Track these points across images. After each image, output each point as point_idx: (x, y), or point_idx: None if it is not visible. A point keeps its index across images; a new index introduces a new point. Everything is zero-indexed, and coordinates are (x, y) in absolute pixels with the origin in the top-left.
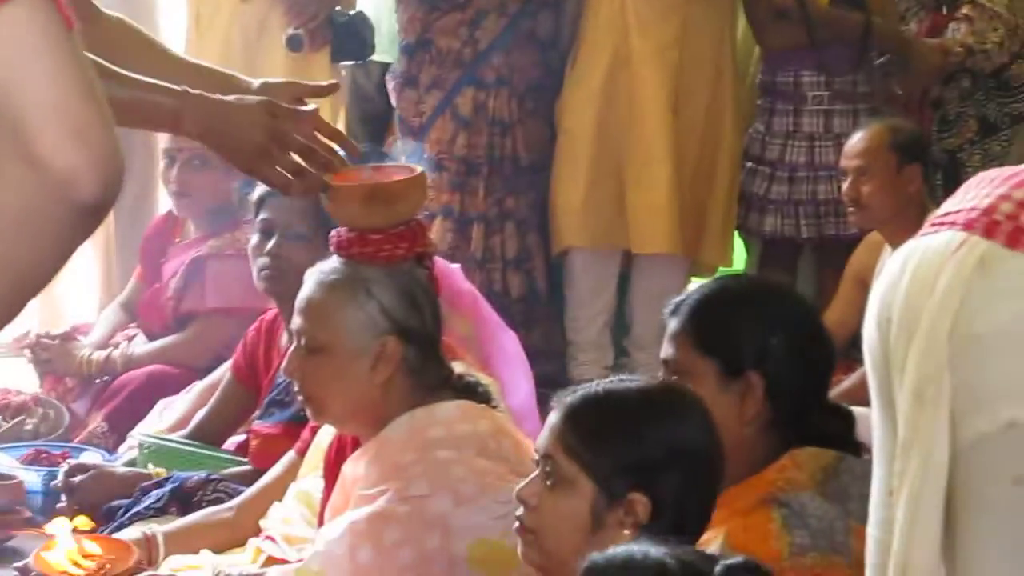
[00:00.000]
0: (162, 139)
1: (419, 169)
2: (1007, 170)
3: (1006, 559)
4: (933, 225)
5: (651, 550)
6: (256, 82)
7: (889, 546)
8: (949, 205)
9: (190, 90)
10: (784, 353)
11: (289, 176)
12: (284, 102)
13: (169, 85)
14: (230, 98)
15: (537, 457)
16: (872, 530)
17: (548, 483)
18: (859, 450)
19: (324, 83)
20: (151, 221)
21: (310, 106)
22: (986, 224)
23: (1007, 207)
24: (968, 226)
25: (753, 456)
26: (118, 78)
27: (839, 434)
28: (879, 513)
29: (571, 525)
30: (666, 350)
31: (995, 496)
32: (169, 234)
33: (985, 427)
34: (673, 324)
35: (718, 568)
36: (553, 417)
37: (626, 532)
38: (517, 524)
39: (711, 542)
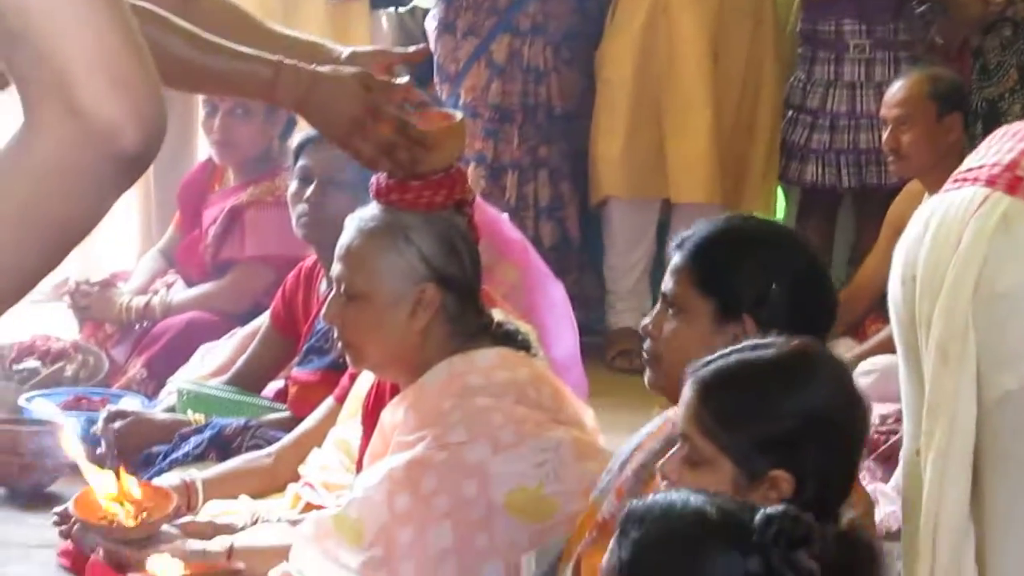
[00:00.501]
0: None
1: (459, 116)
2: None
3: None
4: (956, 181)
5: (691, 497)
6: (345, 51)
7: (918, 504)
8: (971, 160)
9: (285, 60)
10: (783, 301)
11: (379, 151)
12: (374, 70)
13: (264, 55)
14: (325, 69)
15: (679, 437)
16: (904, 492)
17: (688, 462)
18: None
19: (411, 49)
20: (190, 168)
21: (403, 78)
22: (1009, 180)
23: None
24: (991, 182)
25: None
26: (214, 48)
27: None
28: (907, 470)
29: None
30: (666, 283)
31: (1021, 452)
32: (208, 181)
33: (1011, 384)
34: (676, 258)
35: (758, 517)
36: (687, 394)
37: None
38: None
39: None
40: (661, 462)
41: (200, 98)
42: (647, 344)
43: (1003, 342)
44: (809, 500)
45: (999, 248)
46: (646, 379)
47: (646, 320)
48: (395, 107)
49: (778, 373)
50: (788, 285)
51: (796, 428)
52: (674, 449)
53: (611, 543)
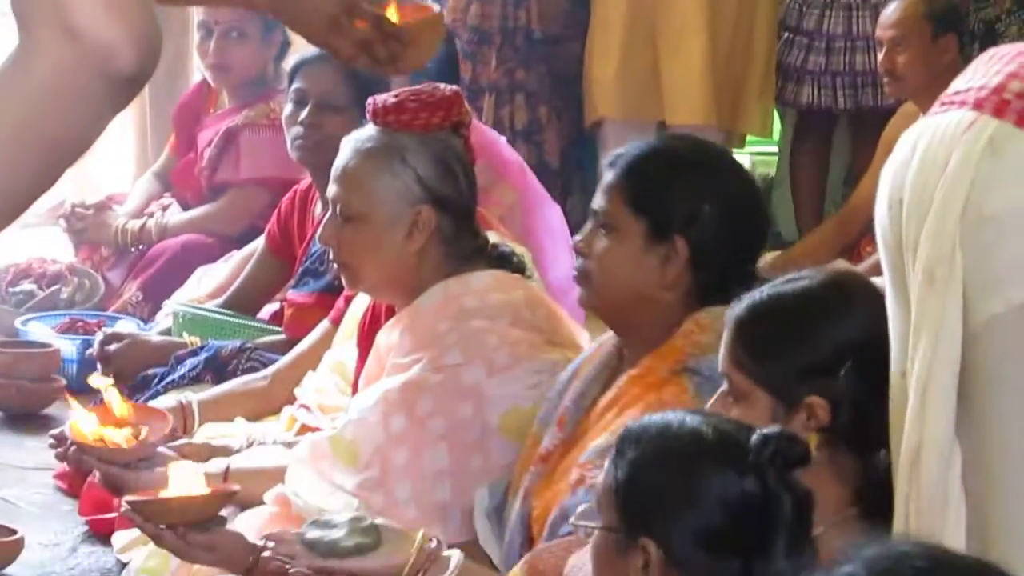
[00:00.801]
0: (197, 12)
1: (435, 8)
2: (1017, 46)
3: None
4: (943, 104)
5: (687, 417)
6: None
7: (901, 426)
8: (959, 83)
9: None
10: (714, 222)
11: (358, 49)
12: None
13: None
14: None
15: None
16: (890, 414)
17: (731, 400)
18: None
19: None
20: (185, 91)
21: None
22: (996, 103)
23: (1017, 85)
24: (978, 105)
25: (669, 322)
26: None
27: None
28: (893, 392)
29: None
30: (598, 200)
31: (1010, 375)
32: (203, 104)
33: (998, 308)
34: (609, 176)
35: (755, 437)
36: (725, 334)
37: (812, 437)
38: None
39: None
40: (708, 407)
41: (195, 21)
42: (579, 262)
43: (990, 266)
44: (846, 427)
45: (986, 172)
46: (578, 298)
47: (577, 237)
48: (370, 2)
49: (810, 303)
50: (720, 207)
51: (829, 356)
52: (720, 390)
53: (607, 463)
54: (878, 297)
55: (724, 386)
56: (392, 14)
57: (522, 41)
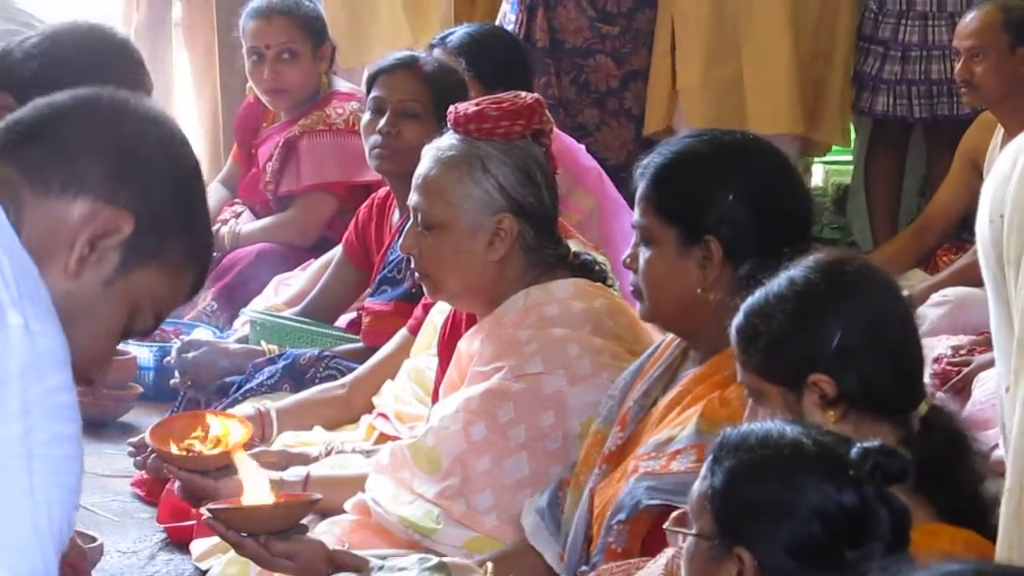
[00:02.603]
0: (246, 38)
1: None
2: None
3: None
4: None
5: (788, 428)
6: None
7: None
8: None
9: None
10: (741, 213)
11: None
12: None
13: None
14: None
15: None
16: (1002, 431)
17: (754, 400)
18: None
19: None
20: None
21: None
22: None
23: None
24: None
25: (726, 320)
26: None
27: None
28: (999, 409)
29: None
30: (635, 214)
31: None
32: (259, 118)
33: None
34: (639, 187)
35: (855, 450)
36: (733, 344)
37: (830, 413)
38: None
39: (690, 419)
40: (746, 415)
41: (245, 47)
42: (632, 278)
43: None
44: (858, 394)
45: None
46: (638, 312)
47: (626, 254)
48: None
49: (792, 287)
50: (745, 196)
51: (821, 336)
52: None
53: (703, 469)
54: (861, 269)
55: (747, 393)
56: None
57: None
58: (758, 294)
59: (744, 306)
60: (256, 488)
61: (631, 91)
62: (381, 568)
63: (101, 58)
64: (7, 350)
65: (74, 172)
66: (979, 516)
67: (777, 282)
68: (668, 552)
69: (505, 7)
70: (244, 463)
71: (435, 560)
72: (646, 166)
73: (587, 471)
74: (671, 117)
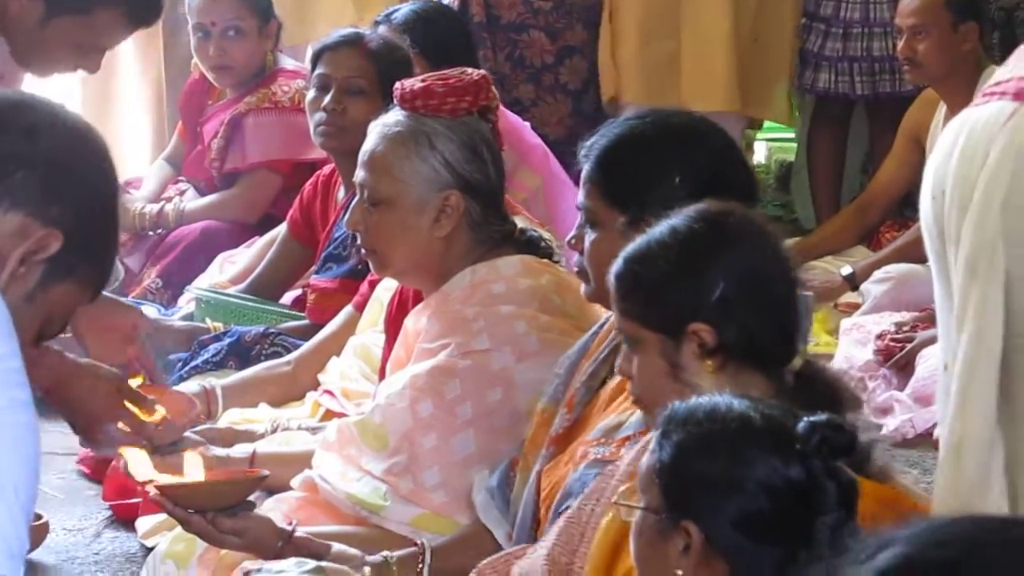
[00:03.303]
0: (192, 14)
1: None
2: None
3: None
4: (984, 95)
5: (735, 402)
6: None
7: (947, 418)
8: (1000, 74)
9: None
10: (688, 197)
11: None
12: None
13: None
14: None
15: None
16: (940, 405)
17: (630, 349)
18: None
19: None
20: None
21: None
22: None
23: None
24: (1018, 96)
25: None
26: None
27: None
28: (941, 383)
29: (657, 378)
30: (580, 197)
31: None
32: (205, 95)
33: None
34: (584, 169)
35: (802, 424)
36: (610, 292)
37: (708, 363)
38: (632, 399)
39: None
40: (617, 364)
41: (191, 24)
42: (576, 258)
43: None
44: (737, 345)
45: None
46: (582, 292)
47: (571, 234)
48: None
49: (676, 240)
50: (692, 178)
51: (703, 284)
52: (623, 352)
53: (652, 443)
54: (745, 220)
55: (622, 342)
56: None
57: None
58: (639, 241)
59: (624, 253)
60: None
61: (566, 66)
62: (259, 571)
63: None
64: None
65: (9, 185)
66: (858, 468)
67: (659, 230)
68: (548, 540)
69: None
70: (196, 444)
71: (312, 564)
72: (590, 147)
73: (535, 451)
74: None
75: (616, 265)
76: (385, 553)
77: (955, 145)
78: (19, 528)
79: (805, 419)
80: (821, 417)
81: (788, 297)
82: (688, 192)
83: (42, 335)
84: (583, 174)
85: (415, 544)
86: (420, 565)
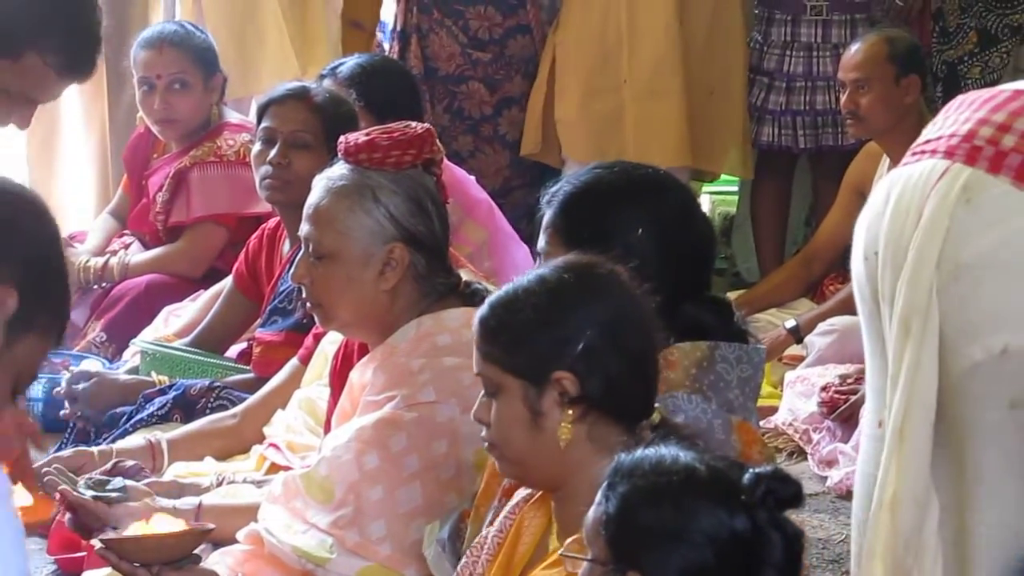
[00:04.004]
0: (137, 68)
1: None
2: (985, 92)
3: (1009, 481)
4: (914, 154)
5: (681, 454)
6: None
7: (874, 477)
8: (929, 132)
9: None
10: (651, 249)
11: None
12: None
13: None
14: None
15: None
16: (860, 464)
17: (489, 396)
18: (744, 339)
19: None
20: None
21: None
22: (967, 151)
23: (987, 131)
24: (949, 153)
25: None
26: None
27: (718, 325)
28: (867, 446)
29: (516, 425)
30: (540, 242)
31: (993, 421)
32: (150, 149)
33: (979, 355)
34: (546, 215)
35: (747, 476)
36: (474, 335)
37: (568, 412)
38: (486, 445)
39: None
40: (472, 412)
41: (136, 77)
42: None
43: (969, 314)
44: (599, 397)
45: (961, 220)
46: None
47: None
48: None
49: (544, 288)
50: (655, 231)
51: (568, 331)
52: (480, 396)
53: (598, 495)
54: (612, 274)
55: (484, 388)
56: None
57: None
58: (505, 288)
59: (490, 299)
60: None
61: (504, 117)
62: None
63: None
64: None
65: None
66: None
67: (526, 279)
68: None
69: (379, 36)
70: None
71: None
72: (554, 194)
73: (487, 503)
74: (545, 143)
75: (482, 310)
76: None
77: (887, 204)
78: None
79: (750, 470)
80: (766, 468)
81: (650, 352)
82: (650, 245)
83: (15, 391)
84: (545, 219)
85: None
86: None
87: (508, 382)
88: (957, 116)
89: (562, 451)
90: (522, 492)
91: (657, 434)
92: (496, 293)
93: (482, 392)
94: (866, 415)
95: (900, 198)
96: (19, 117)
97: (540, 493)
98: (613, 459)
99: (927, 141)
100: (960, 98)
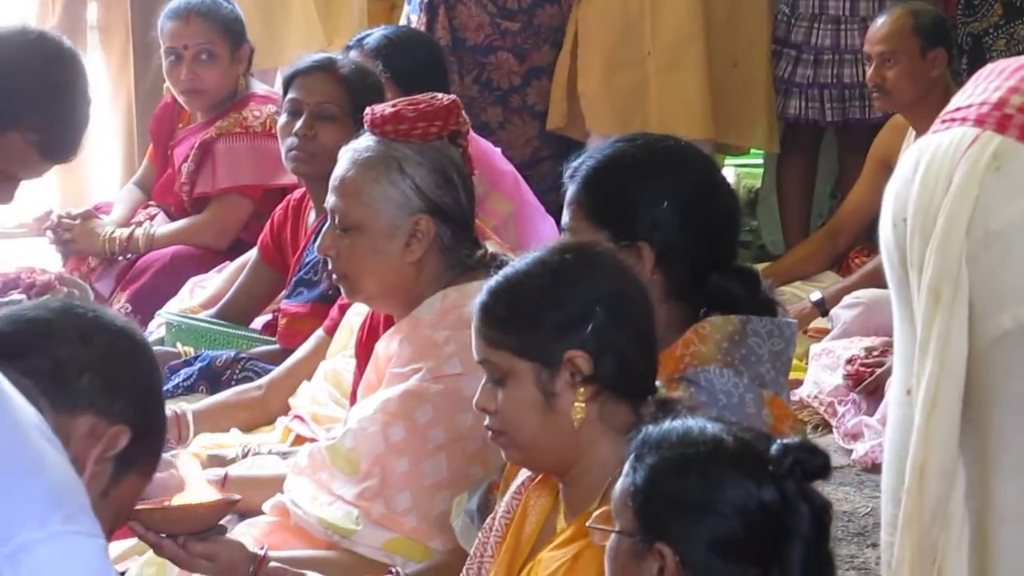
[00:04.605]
0: (164, 38)
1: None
2: (1014, 61)
3: None
4: (944, 121)
5: (708, 425)
6: None
7: (906, 446)
8: (959, 100)
9: None
10: (675, 222)
11: None
12: None
13: None
14: None
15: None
16: (890, 431)
17: (495, 383)
18: (772, 309)
19: None
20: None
21: None
22: (998, 119)
23: (1017, 100)
24: (979, 121)
25: (662, 329)
26: None
27: (746, 295)
28: (897, 412)
29: (529, 409)
30: (564, 217)
31: (1016, 391)
32: (175, 119)
33: (1008, 324)
34: (569, 190)
35: (775, 447)
36: (473, 322)
37: (581, 391)
38: (490, 434)
39: None
40: (475, 401)
41: (163, 48)
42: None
43: (999, 281)
44: (611, 376)
45: (991, 187)
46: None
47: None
48: None
49: (547, 268)
50: (679, 205)
51: (578, 310)
52: (482, 383)
53: (626, 466)
54: (608, 253)
55: (487, 374)
56: None
57: None
58: (504, 275)
59: (489, 287)
60: (197, 488)
61: (533, 88)
62: None
63: (42, 62)
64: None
65: (77, 389)
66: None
67: (523, 263)
68: None
69: (407, 9)
70: (187, 464)
71: None
72: (577, 169)
73: (516, 474)
74: (571, 116)
75: (481, 298)
76: None
77: (916, 171)
78: None
79: (778, 441)
80: (794, 440)
81: (652, 329)
82: (676, 218)
83: (112, 530)
84: (568, 195)
85: (388, 570)
86: None
87: (519, 367)
88: (987, 84)
89: (575, 432)
90: (527, 471)
91: (660, 410)
92: (493, 280)
93: (483, 381)
94: (894, 383)
95: (930, 165)
96: (2, 193)
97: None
98: (621, 438)
99: (957, 109)
100: (990, 66)
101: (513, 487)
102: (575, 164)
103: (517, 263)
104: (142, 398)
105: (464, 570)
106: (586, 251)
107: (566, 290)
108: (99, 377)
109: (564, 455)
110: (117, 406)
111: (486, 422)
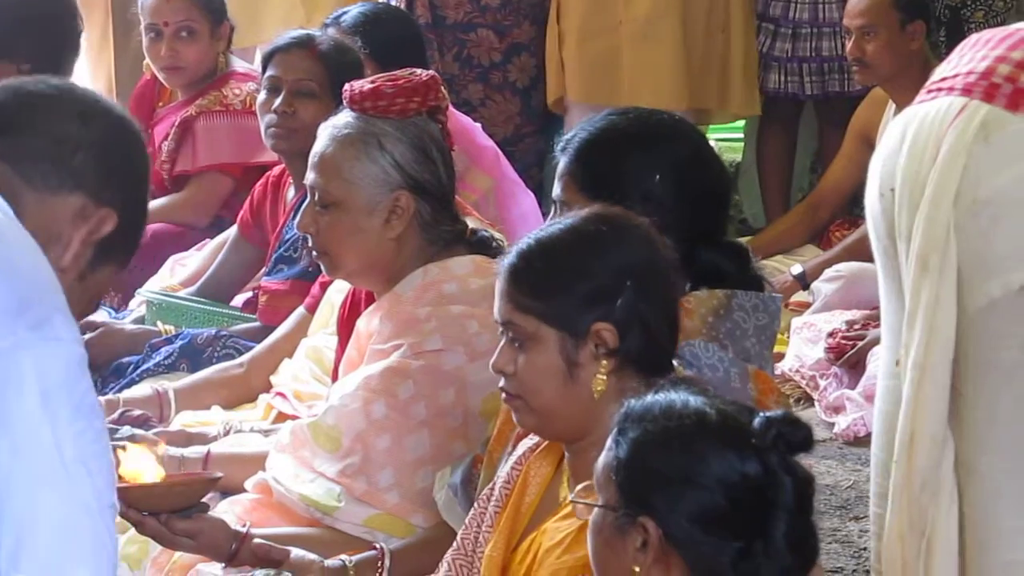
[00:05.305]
0: (144, 15)
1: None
2: (1000, 31)
3: (1017, 422)
4: (930, 91)
5: (691, 399)
6: None
7: (895, 416)
8: (944, 70)
9: None
10: (668, 195)
11: None
12: None
13: None
14: None
15: (500, 327)
16: (879, 403)
17: (516, 346)
18: (760, 285)
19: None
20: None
21: None
22: (985, 88)
23: (1005, 69)
24: (967, 91)
25: None
26: None
27: (735, 270)
28: (885, 382)
29: (550, 376)
30: (555, 189)
31: (1009, 360)
32: (155, 98)
33: (996, 292)
34: (561, 163)
35: (757, 420)
36: (499, 283)
37: (603, 363)
38: (504, 395)
39: None
40: (492, 361)
41: (143, 24)
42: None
43: (988, 249)
44: (636, 350)
45: (979, 157)
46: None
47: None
48: None
49: (579, 235)
50: (672, 177)
51: (608, 281)
52: (501, 344)
53: (608, 440)
54: (643, 226)
55: (507, 336)
56: None
57: None
58: (535, 238)
59: (520, 249)
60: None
61: (514, 64)
62: None
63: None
64: (54, 359)
65: (70, 168)
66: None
67: (557, 228)
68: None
69: None
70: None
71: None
72: (568, 142)
73: (500, 448)
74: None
75: (511, 260)
76: (343, 557)
77: (903, 141)
78: (112, 536)
79: (761, 414)
80: (777, 413)
81: (677, 305)
82: (668, 191)
83: (84, 315)
84: (560, 167)
85: (369, 546)
86: (379, 569)
87: (544, 332)
88: (973, 54)
89: (593, 403)
90: (527, 442)
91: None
92: (524, 242)
93: (502, 342)
94: (883, 353)
95: (917, 135)
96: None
97: (547, 443)
98: None
99: (943, 79)
100: (975, 36)
101: (513, 458)
102: (567, 137)
103: (549, 227)
104: (132, 187)
105: (460, 540)
106: (621, 222)
107: (599, 260)
108: (94, 159)
109: (578, 424)
110: (107, 191)
111: (501, 384)
